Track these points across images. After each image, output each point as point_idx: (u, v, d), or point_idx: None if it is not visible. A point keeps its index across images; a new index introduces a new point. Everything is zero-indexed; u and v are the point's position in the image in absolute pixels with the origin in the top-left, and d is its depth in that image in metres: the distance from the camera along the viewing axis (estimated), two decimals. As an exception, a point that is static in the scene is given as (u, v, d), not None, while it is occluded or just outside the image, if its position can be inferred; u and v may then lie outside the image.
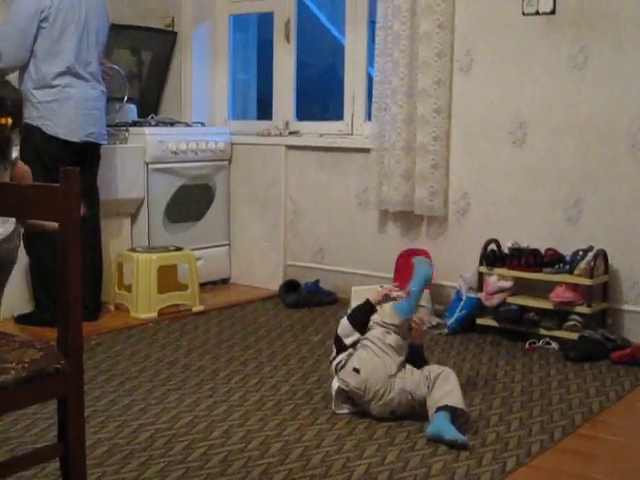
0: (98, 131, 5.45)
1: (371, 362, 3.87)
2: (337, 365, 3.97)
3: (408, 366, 3.92)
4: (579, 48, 5.19)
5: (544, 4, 5.27)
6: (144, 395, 4.16)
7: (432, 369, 3.85)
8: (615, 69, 5.09)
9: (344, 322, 4.12)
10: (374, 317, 4.08)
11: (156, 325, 5.45)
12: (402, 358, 3.95)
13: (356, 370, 3.86)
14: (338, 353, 4.05)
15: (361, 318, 4.14)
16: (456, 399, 3.71)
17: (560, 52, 5.25)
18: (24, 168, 4.10)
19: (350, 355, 3.95)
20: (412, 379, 3.83)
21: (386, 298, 4.21)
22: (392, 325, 3.99)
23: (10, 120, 3.88)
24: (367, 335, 4.01)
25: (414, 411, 3.82)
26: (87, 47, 5.37)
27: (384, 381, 3.82)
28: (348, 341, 4.06)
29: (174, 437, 3.64)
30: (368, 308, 4.17)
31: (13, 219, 3.89)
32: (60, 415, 2.69)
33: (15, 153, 4.04)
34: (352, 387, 3.86)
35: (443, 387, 3.75)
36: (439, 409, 3.67)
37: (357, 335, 4.07)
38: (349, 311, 4.28)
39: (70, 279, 2.61)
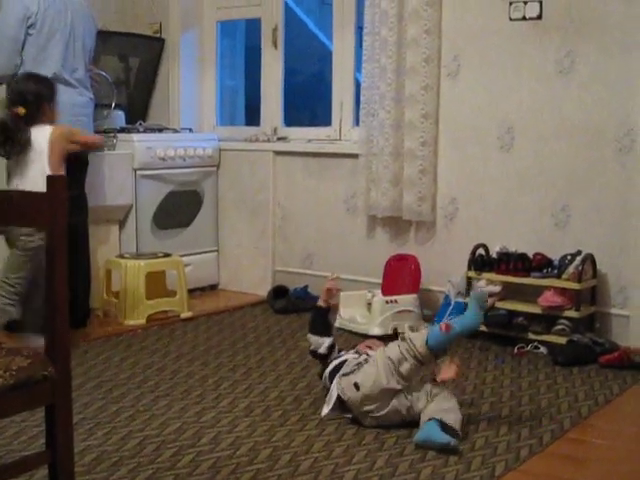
0: None
1: (373, 381, 3.78)
2: (340, 367, 3.96)
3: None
4: (565, 53, 5.21)
5: (530, 9, 5.29)
6: (132, 402, 4.15)
7: (435, 387, 3.82)
8: (602, 73, 5.11)
9: (309, 337, 4.18)
10: (407, 333, 3.98)
11: (144, 332, 5.44)
12: (408, 384, 3.85)
13: (356, 386, 3.82)
14: (324, 364, 4.09)
15: (320, 325, 4.20)
16: (452, 419, 3.66)
17: (547, 57, 5.27)
18: (58, 131, 4.83)
19: (360, 365, 3.89)
20: (409, 396, 3.81)
21: (330, 294, 4.24)
22: (416, 351, 3.76)
23: (23, 110, 4.72)
24: (386, 349, 3.90)
25: (405, 422, 3.81)
26: (74, 54, 5.36)
27: (381, 403, 3.79)
28: (323, 350, 4.11)
29: (163, 444, 3.63)
30: (320, 313, 4.22)
31: None
32: (48, 422, 2.69)
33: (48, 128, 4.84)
34: (349, 399, 3.84)
35: (442, 404, 3.71)
36: (432, 419, 3.65)
37: (328, 339, 4.12)
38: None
39: (57, 286, 2.61)
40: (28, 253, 4.74)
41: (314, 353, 4.17)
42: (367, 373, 3.83)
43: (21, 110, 4.76)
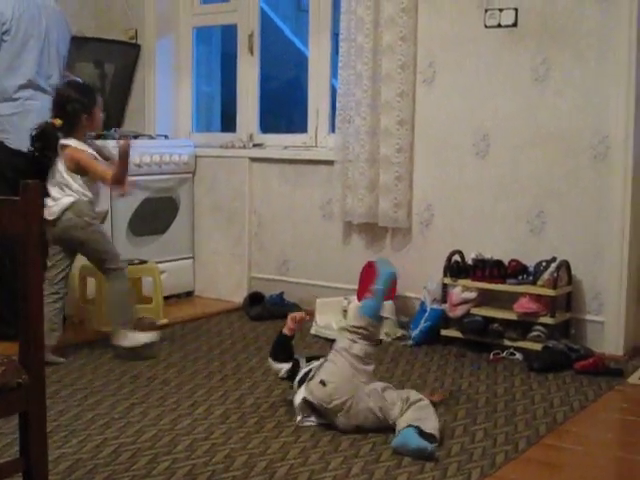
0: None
1: (338, 375, 3.84)
2: (305, 375, 3.97)
3: (384, 384, 3.92)
4: (541, 60, 5.23)
5: (506, 17, 5.31)
6: (107, 409, 4.13)
7: (412, 394, 3.83)
8: (577, 81, 5.13)
9: (269, 361, 4.23)
10: (342, 323, 4.07)
11: (120, 339, 5.42)
12: (372, 367, 3.94)
13: (322, 382, 3.85)
14: (291, 379, 4.11)
15: (280, 351, 4.21)
16: (430, 427, 3.67)
17: (522, 64, 5.29)
18: (70, 155, 4.89)
19: (320, 366, 3.94)
20: (383, 396, 3.82)
21: (294, 322, 4.22)
22: (359, 327, 3.90)
23: (59, 122, 4.91)
24: (334, 346, 4.00)
25: (380, 427, 3.81)
26: (48, 60, 5.35)
27: (350, 394, 3.81)
28: (282, 374, 4.15)
29: (138, 451, 3.61)
30: (283, 340, 4.22)
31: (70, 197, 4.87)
32: (22, 430, 2.67)
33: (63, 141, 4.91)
34: (317, 399, 3.85)
35: (419, 412, 3.72)
36: (409, 426, 3.65)
37: (287, 365, 4.13)
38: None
39: (31, 292, 2.59)
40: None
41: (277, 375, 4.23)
42: (328, 368, 3.89)
43: (57, 121, 4.91)
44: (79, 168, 4.92)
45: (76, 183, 4.91)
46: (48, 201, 4.83)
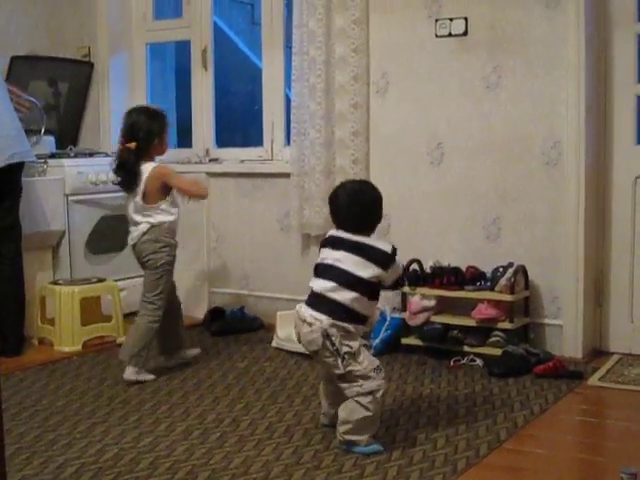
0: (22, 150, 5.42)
1: None
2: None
3: None
4: (492, 68, 5.28)
5: (456, 26, 5.36)
6: (69, 429, 4.10)
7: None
8: (527, 88, 5.19)
9: None
10: None
11: (81, 358, 5.39)
12: None
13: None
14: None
15: None
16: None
17: (474, 72, 5.33)
18: (158, 170, 4.98)
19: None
20: None
21: None
22: None
23: (134, 145, 4.91)
24: None
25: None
26: None
27: None
28: None
29: (100, 471, 3.60)
30: None
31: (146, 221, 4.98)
32: (-20, 454, 2.66)
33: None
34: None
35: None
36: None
37: None
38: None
39: None
40: (159, 270, 5.00)
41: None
42: None
43: (132, 145, 4.90)
44: (164, 186, 4.96)
45: (159, 205, 4.96)
46: (130, 227, 5.03)
